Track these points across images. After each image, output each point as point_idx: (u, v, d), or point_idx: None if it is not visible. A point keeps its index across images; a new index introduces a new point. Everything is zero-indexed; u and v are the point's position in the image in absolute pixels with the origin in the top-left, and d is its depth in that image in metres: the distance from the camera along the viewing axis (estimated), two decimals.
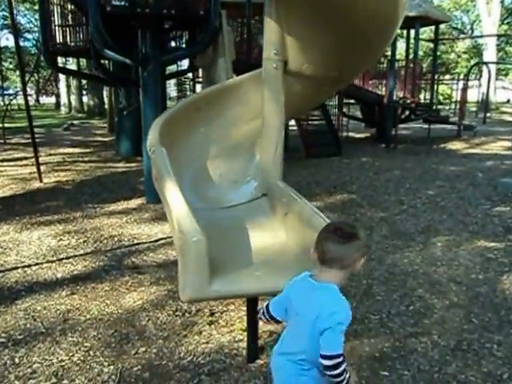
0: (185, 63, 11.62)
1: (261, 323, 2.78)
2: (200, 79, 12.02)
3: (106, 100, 20.33)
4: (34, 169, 7.14)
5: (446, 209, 5.57)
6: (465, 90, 13.69)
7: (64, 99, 25.74)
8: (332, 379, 1.49)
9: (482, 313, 3.05)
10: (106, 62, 9.52)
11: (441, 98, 19.50)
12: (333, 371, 1.46)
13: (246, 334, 2.58)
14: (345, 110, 12.50)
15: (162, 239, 4.47)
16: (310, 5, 2.69)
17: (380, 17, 2.67)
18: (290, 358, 1.58)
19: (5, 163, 8.73)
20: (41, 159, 7.35)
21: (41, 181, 6.97)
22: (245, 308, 2.82)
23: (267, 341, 2.70)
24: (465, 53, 34.97)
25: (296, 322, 1.59)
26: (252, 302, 2.48)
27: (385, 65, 12.21)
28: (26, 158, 9.05)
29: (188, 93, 14.16)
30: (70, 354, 2.58)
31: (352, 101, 13.15)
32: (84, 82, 23.75)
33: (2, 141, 11.37)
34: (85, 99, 24.81)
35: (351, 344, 2.65)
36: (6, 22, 30.52)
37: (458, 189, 6.59)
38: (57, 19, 7.78)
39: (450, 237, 4.56)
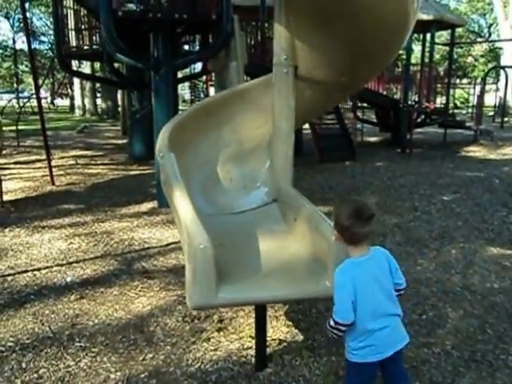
0: (199, 66, 11.67)
1: (271, 330, 2.76)
2: (214, 82, 12.07)
3: (119, 103, 20.53)
4: (47, 171, 7.22)
5: (461, 215, 5.45)
6: (482, 94, 13.45)
7: (78, 102, 26.01)
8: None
9: (497, 323, 2.96)
10: (120, 65, 9.62)
11: (457, 102, 19.25)
12: None
13: (254, 341, 2.54)
14: (359, 113, 12.38)
15: (172, 244, 4.46)
16: (319, 10, 2.66)
17: (390, 23, 2.62)
18: (397, 318, 1.85)
19: (18, 166, 8.84)
20: (54, 162, 7.43)
21: (53, 183, 7.04)
22: (254, 315, 2.78)
23: (276, 349, 2.66)
24: (482, 56, 34.45)
25: (377, 292, 1.77)
26: (261, 308, 2.45)
27: (400, 68, 12.08)
28: (38, 161, 9.15)
29: (202, 95, 14.25)
30: (77, 360, 2.58)
31: (366, 104, 13.01)
32: (98, 84, 24.00)
33: (16, 143, 11.52)
34: (99, 102, 25.04)
35: None
36: (22, 25, 31.18)
37: (474, 195, 6.45)
38: (71, 23, 7.86)
39: (465, 244, 4.46)
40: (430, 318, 3.04)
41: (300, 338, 2.80)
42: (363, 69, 3.12)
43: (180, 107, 11.81)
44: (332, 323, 1.78)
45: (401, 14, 2.50)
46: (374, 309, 1.77)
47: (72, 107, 28.83)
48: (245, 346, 2.69)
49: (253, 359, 2.54)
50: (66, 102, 35.87)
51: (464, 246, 4.39)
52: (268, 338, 2.60)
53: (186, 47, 9.64)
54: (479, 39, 33.65)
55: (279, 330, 2.88)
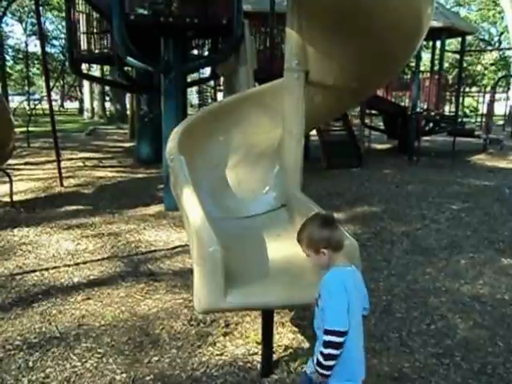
0: (207, 71, 11.74)
1: (277, 337, 2.74)
2: (222, 87, 12.12)
3: (128, 106, 20.61)
4: (56, 172, 7.26)
5: (471, 225, 5.39)
6: (491, 102, 13.32)
7: (87, 105, 26.24)
8: None
9: (508, 335, 2.91)
10: (129, 68, 9.69)
11: (466, 110, 19.09)
12: None
13: (260, 347, 2.53)
14: (367, 120, 12.32)
15: (179, 247, 4.46)
16: (332, 16, 2.66)
17: (403, 29, 2.62)
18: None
19: (28, 166, 8.91)
20: (62, 163, 7.47)
21: (61, 185, 7.08)
22: (260, 320, 2.77)
23: (282, 355, 2.64)
24: (492, 65, 34.15)
25: (358, 309, 1.70)
26: (268, 314, 2.43)
27: (409, 76, 12.01)
28: (48, 162, 9.22)
29: (209, 100, 14.28)
30: (83, 360, 2.58)
31: (374, 111, 12.96)
32: (107, 88, 24.17)
33: (26, 144, 11.63)
34: (107, 105, 25.22)
35: (369, 362, 2.56)
36: (34, 29, 31.52)
37: (483, 204, 6.38)
38: (82, 27, 7.95)
39: (475, 254, 4.40)
40: (438, 328, 3.00)
41: (306, 345, 2.77)
42: (375, 75, 3.12)
43: (188, 112, 11.84)
44: (330, 338, 1.58)
45: (414, 19, 2.50)
46: (358, 325, 1.69)
47: (81, 110, 29.08)
48: (251, 352, 2.67)
49: (259, 365, 2.52)
50: (74, 105, 36.23)
51: (473, 256, 4.34)
52: (274, 345, 2.57)
53: (195, 52, 9.67)
54: (489, 47, 33.41)
55: (285, 336, 2.85)
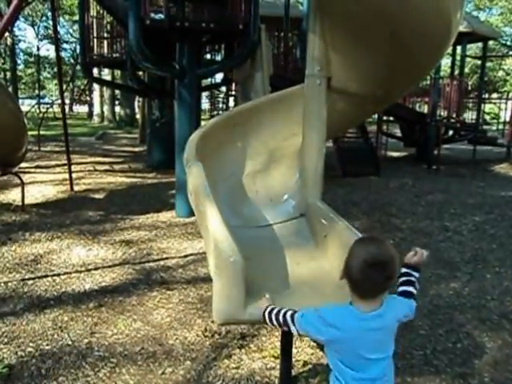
0: (219, 76, 11.69)
1: (295, 351, 2.62)
2: (233, 93, 12.09)
3: (137, 111, 20.67)
4: (66, 176, 7.22)
5: (496, 237, 5.19)
6: None
7: (97, 109, 26.38)
8: None
9: None
10: (141, 73, 9.68)
11: (487, 117, 18.67)
12: None
13: (278, 361, 2.44)
14: (383, 127, 12.06)
15: (191, 255, 4.36)
16: (357, 21, 2.58)
17: (432, 34, 2.53)
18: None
19: (38, 170, 8.90)
20: (72, 167, 7.41)
21: (72, 189, 7.03)
22: (277, 333, 2.69)
23: (301, 371, 2.54)
24: None
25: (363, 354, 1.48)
26: None
27: (428, 82, 11.75)
28: (58, 166, 9.23)
29: (221, 106, 14.24)
30: (96, 370, 2.51)
31: (391, 118, 12.72)
32: (117, 92, 24.25)
33: (37, 148, 11.69)
34: (117, 109, 25.27)
35: None
36: (46, 33, 31.93)
37: (509, 216, 6.15)
38: (96, 31, 7.98)
39: (501, 268, 4.23)
40: (465, 346, 2.86)
41: (325, 360, 2.64)
42: (400, 82, 3.02)
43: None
44: (286, 318, 1.66)
45: (443, 25, 2.41)
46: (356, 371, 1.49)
47: (90, 114, 29.27)
48: (268, 366, 2.58)
49: (276, 380, 2.43)
50: (84, 109, 36.48)
51: (500, 271, 4.16)
52: (292, 359, 2.46)
53: (208, 56, 9.64)
54: (511, 53, 32.52)
55: (303, 351, 2.74)
